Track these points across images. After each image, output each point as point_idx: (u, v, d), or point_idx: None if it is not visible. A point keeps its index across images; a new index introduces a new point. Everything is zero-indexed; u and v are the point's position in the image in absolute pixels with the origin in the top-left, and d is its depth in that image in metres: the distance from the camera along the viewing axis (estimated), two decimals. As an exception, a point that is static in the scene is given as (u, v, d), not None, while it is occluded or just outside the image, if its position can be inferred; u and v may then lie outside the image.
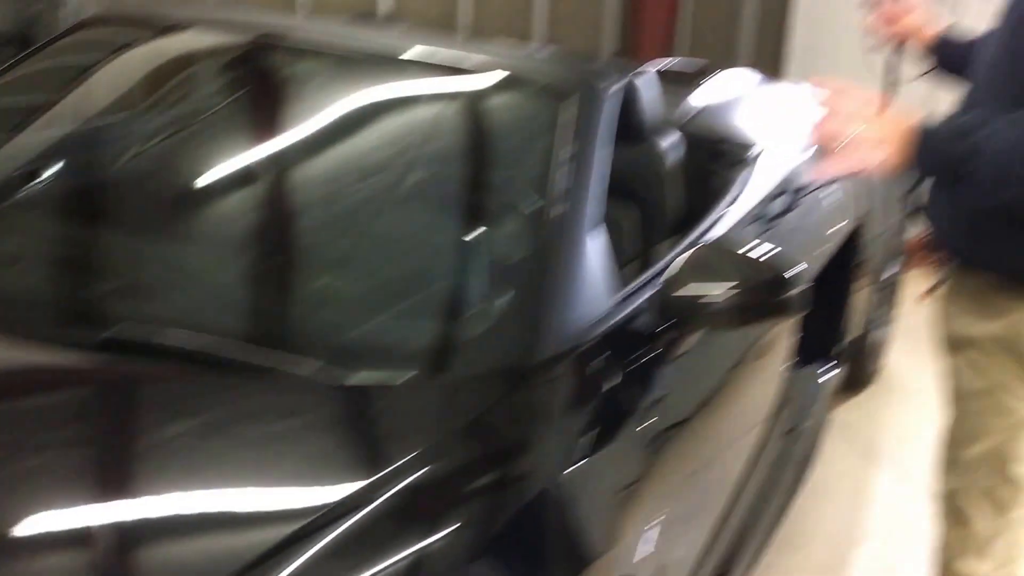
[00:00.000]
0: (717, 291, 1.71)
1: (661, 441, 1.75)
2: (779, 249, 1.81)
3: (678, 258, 1.75)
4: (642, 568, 1.63)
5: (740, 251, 1.79)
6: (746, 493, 2.40)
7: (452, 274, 1.85)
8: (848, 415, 3.63)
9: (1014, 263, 1.80)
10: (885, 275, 3.75)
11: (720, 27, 5.66)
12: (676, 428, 1.82)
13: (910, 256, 5.15)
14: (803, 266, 1.79)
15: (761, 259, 1.77)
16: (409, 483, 1.31)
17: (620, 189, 2.43)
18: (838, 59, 4.81)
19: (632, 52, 5.28)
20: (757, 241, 1.83)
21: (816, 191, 2.79)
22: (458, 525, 1.29)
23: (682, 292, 1.71)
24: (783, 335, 2.56)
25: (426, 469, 1.34)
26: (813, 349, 3.09)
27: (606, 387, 1.67)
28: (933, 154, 1.69)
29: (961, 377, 1.94)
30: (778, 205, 2.58)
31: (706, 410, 1.98)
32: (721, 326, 1.77)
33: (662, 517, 1.71)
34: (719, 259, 1.76)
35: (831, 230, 2.80)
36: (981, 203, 1.74)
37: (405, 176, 1.98)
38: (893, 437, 3.51)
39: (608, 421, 1.63)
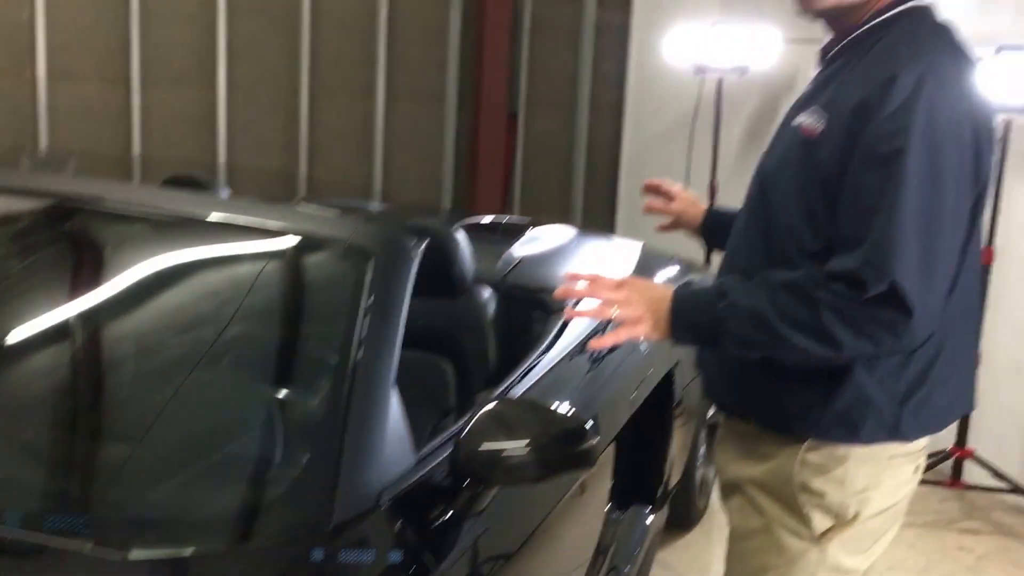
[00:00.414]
0: (515, 446, 1.75)
1: None
2: (575, 403, 1.88)
3: (477, 414, 1.80)
4: None
5: (538, 404, 1.85)
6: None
7: (248, 438, 1.85)
8: (676, 555, 3.70)
9: (772, 412, 1.91)
10: (708, 415, 3.89)
11: (555, 184, 5.90)
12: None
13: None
14: (596, 419, 1.85)
15: (558, 411, 1.82)
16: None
17: (437, 342, 2.50)
18: (661, 215, 5.11)
19: (468, 208, 5.45)
20: (559, 393, 1.89)
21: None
22: None
23: (482, 447, 1.74)
24: (600, 479, 2.63)
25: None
26: (637, 492, 3.17)
27: (406, 548, 1.68)
28: (687, 323, 1.83)
29: (736, 518, 2.03)
30: (590, 352, 2.68)
31: (518, 563, 2.00)
32: (523, 480, 1.80)
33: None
34: (517, 413, 1.81)
35: (645, 375, 2.92)
36: (740, 356, 1.86)
37: (202, 339, 1.99)
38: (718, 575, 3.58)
39: None
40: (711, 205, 2.33)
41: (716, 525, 3.96)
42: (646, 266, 3.49)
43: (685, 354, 3.31)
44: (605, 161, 5.92)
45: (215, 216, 2.16)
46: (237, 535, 1.63)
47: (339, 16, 5.28)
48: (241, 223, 2.15)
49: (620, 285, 1.85)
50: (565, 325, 2.72)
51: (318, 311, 2.07)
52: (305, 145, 5.30)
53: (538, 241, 3.35)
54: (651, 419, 3.17)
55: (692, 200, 2.33)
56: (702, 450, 3.84)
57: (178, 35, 4.99)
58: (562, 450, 1.76)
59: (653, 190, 2.37)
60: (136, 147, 5.04)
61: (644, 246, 3.71)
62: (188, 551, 1.53)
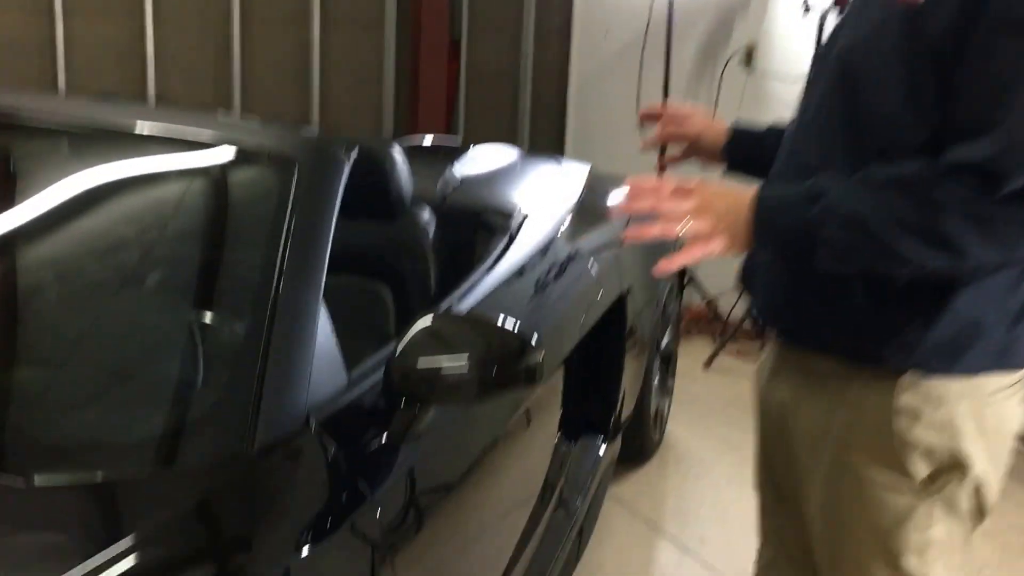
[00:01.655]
0: (454, 362, 1.60)
1: (407, 526, 1.62)
2: (520, 318, 1.74)
3: (412, 329, 1.64)
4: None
5: (479, 318, 1.70)
6: (516, 572, 2.30)
7: (167, 360, 1.69)
8: (631, 488, 3.59)
9: (857, 341, 1.61)
10: (662, 344, 3.76)
11: (501, 112, 5.71)
12: (426, 510, 1.70)
13: (687, 326, 5.29)
14: (540, 334, 1.71)
15: (501, 326, 1.68)
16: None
17: (374, 266, 2.33)
18: (611, 141, 4.95)
19: (410, 134, 5.24)
20: (504, 310, 1.75)
21: (577, 260, 2.76)
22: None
23: (418, 364, 1.60)
24: (547, 410, 2.49)
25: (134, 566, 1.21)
26: (587, 422, 3.04)
27: (337, 472, 1.54)
28: (773, 233, 1.53)
29: (820, 483, 1.69)
30: (536, 274, 2.53)
31: (460, 492, 1.86)
32: (464, 399, 1.66)
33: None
34: (456, 328, 1.66)
35: (594, 299, 2.77)
36: (835, 271, 1.53)
37: (117, 258, 1.82)
38: (676, 509, 3.48)
39: (340, 507, 1.50)
40: (734, 123, 1.98)
41: (672, 458, 3.85)
42: (595, 189, 3.33)
43: (636, 279, 3.17)
44: (552, 88, 5.71)
45: (126, 124, 1.97)
46: (156, 460, 1.50)
47: (270, -61, 5.02)
48: (154, 132, 1.96)
49: (688, 191, 1.54)
50: (508, 247, 2.56)
51: (239, 224, 1.89)
52: (238, 76, 5.04)
53: (480, 162, 3.17)
54: (601, 347, 3.03)
55: (709, 121, 1.99)
56: (656, 380, 3.72)
57: (98, -40, 4.71)
58: (506, 365, 1.62)
59: (651, 118, 2.02)
60: (61, 80, 4.77)
61: (592, 168, 3.54)
62: (105, 476, 1.40)
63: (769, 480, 1.90)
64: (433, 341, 1.62)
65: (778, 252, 1.60)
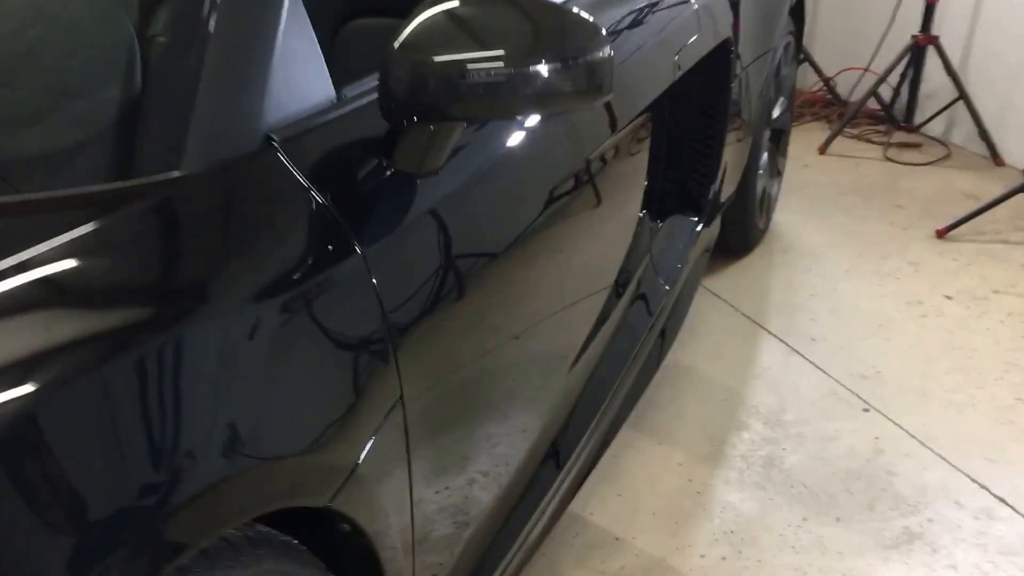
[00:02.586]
0: (484, 56, 1.11)
1: (422, 306, 1.18)
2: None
3: (422, 10, 1.14)
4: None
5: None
6: (578, 371, 1.86)
7: (101, 73, 1.24)
8: (730, 281, 3.10)
9: None
10: (773, 114, 3.19)
11: None
12: (449, 287, 1.25)
13: (799, 110, 4.66)
14: (606, 36, 1.20)
15: (554, 8, 1.18)
16: None
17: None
18: None
19: None
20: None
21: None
22: None
23: (434, 59, 1.11)
24: (627, 176, 1.98)
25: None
26: (678, 199, 2.54)
27: (313, 211, 1.07)
28: None
29: None
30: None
31: (500, 264, 1.39)
32: (498, 112, 1.16)
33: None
34: (488, 9, 1.16)
35: (688, 39, 2.20)
36: None
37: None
38: (781, 304, 2.99)
39: (321, 255, 1.05)
40: None
41: (778, 248, 3.33)
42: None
43: (745, 25, 2.58)
44: None
45: None
46: (86, 177, 1.08)
47: None
48: None
49: None
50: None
51: None
52: None
53: None
54: (698, 105, 2.49)
55: None
56: (764, 157, 3.16)
57: None
58: (561, 66, 1.13)
59: None
60: None
61: None
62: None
63: None
64: (454, 27, 1.12)
65: None
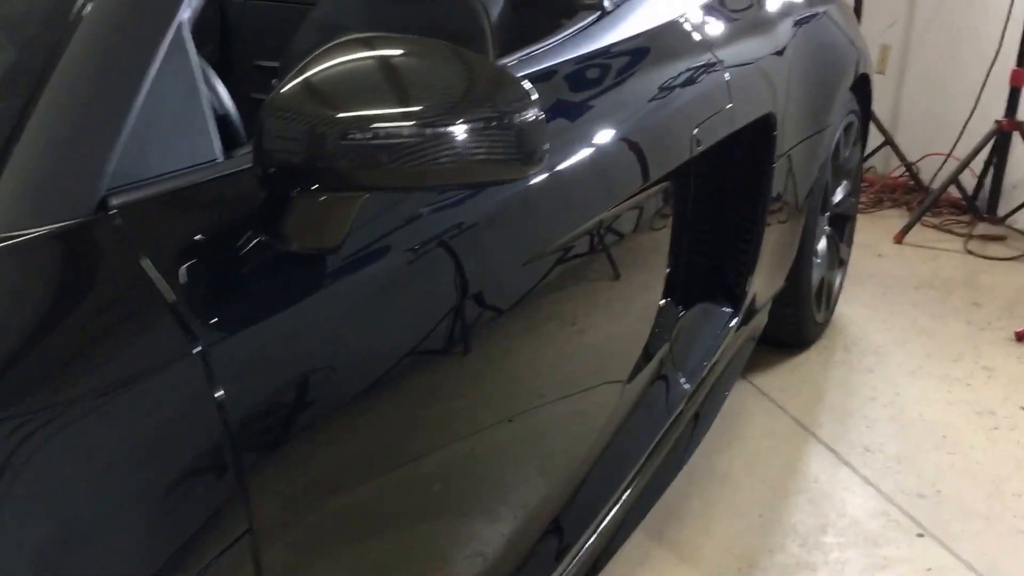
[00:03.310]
0: (391, 116, 0.91)
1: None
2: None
3: (318, 55, 0.95)
4: None
5: (442, 51, 1.00)
6: (568, 473, 1.63)
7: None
8: (779, 378, 2.82)
9: None
10: (832, 198, 2.93)
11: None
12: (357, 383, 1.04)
13: (879, 195, 4.37)
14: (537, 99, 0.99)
15: (477, 64, 0.99)
16: None
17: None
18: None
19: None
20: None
21: (697, 52, 1.98)
22: None
23: (339, 114, 0.91)
24: (632, 257, 1.76)
25: None
26: (709, 286, 2.30)
27: (156, 300, 0.88)
28: None
29: None
30: (626, 58, 1.78)
31: (427, 360, 1.18)
32: (401, 180, 0.96)
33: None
34: (399, 61, 0.96)
35: (719, 107, 1.98)
36: None
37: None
38: (836, 407, 2.70)
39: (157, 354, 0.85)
40: None
41: (839, 345, 3.04)
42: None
43: (795, 98, 2.36)
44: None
45: None
46: None
47: None
48: None
49: None
50: (596, 22, 1.81)
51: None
52: None
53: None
54: (732, 183, 2.26)
55: None
56: (821, 244, 2.90)
57: None
58: (482, 129, 0.94)
59: None
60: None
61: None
62: None
63: None
64: (358, 80, 0.93)
65: None
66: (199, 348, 0.85)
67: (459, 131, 0.93)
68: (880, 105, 4.19)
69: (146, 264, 0.87)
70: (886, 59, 4.48)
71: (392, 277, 1.09)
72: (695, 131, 1.85)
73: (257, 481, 0.89)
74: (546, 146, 1.01)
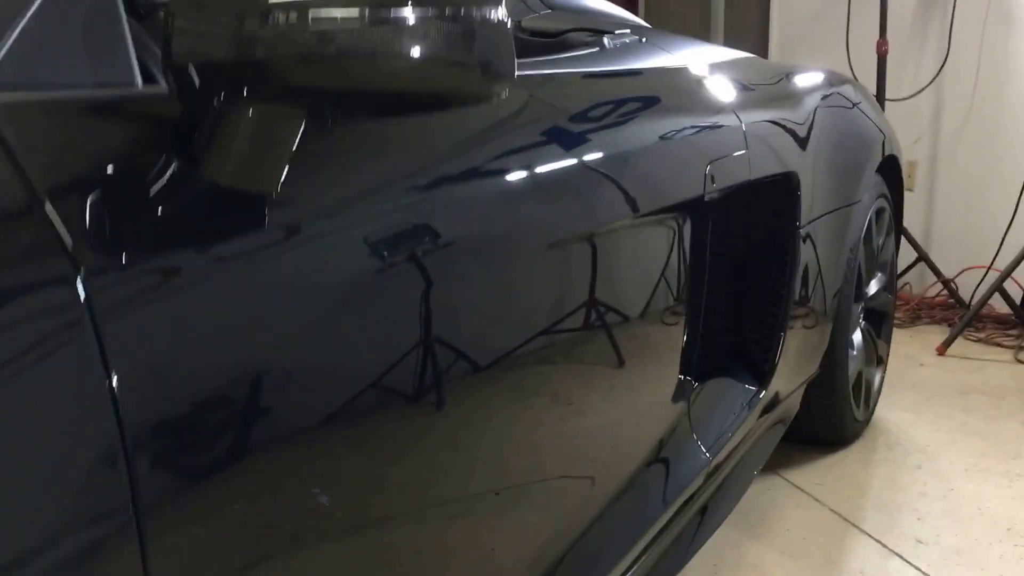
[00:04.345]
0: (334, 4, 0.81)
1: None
2: None
3: None
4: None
5: None
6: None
7: None
8: (810, 476, 2.61)
9: None
10: (866, 290, 2.78)
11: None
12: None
13: (915, 312, 4.19)
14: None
15: None
16: None
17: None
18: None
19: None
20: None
21: (707, 91, 1.90)
22: None
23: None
24: (656, 326, 1.63)
25: None
26: (732, 357, 2.13)
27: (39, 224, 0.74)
28: None
29: None
30: (624, 89, 1.69)
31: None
32: (347, 80, 0.83)
33: None
34: None
35: (729, 152, 1.86)
36: None
37: None
38: (882, 502, 2.47)
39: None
40: None
41: (881, 444, 2.83)
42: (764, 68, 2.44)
43: (823, 154, 2.26)
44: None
45: None
46: None
47: None
48: None
49: None
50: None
51: None
52: None
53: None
54: (758, 251, 2.13)
55: None
56: (856, 336, 2.73)
57: None
58: (433, 22, 0.83)
59: None
60: None
61: (752, 57, 2.64)
62: None
63: None
64: None
65: None
66: (81, 287, 0.70)
67: (409, 20, 0.82)
68: (912, 222, 4.07)
69: (27, 179, 0.71)
70: (914, 175, 4.39)
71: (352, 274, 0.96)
72: (707, 168, 1.74)
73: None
74: (514, 61, 0.91)
